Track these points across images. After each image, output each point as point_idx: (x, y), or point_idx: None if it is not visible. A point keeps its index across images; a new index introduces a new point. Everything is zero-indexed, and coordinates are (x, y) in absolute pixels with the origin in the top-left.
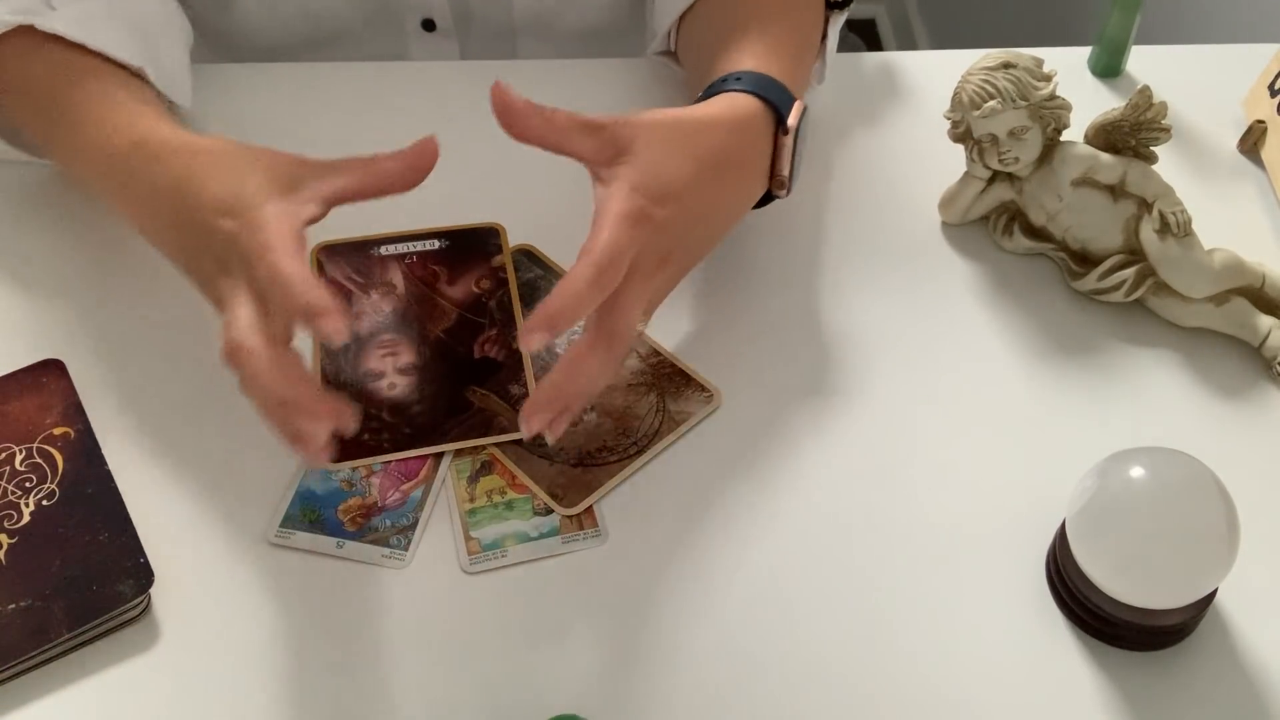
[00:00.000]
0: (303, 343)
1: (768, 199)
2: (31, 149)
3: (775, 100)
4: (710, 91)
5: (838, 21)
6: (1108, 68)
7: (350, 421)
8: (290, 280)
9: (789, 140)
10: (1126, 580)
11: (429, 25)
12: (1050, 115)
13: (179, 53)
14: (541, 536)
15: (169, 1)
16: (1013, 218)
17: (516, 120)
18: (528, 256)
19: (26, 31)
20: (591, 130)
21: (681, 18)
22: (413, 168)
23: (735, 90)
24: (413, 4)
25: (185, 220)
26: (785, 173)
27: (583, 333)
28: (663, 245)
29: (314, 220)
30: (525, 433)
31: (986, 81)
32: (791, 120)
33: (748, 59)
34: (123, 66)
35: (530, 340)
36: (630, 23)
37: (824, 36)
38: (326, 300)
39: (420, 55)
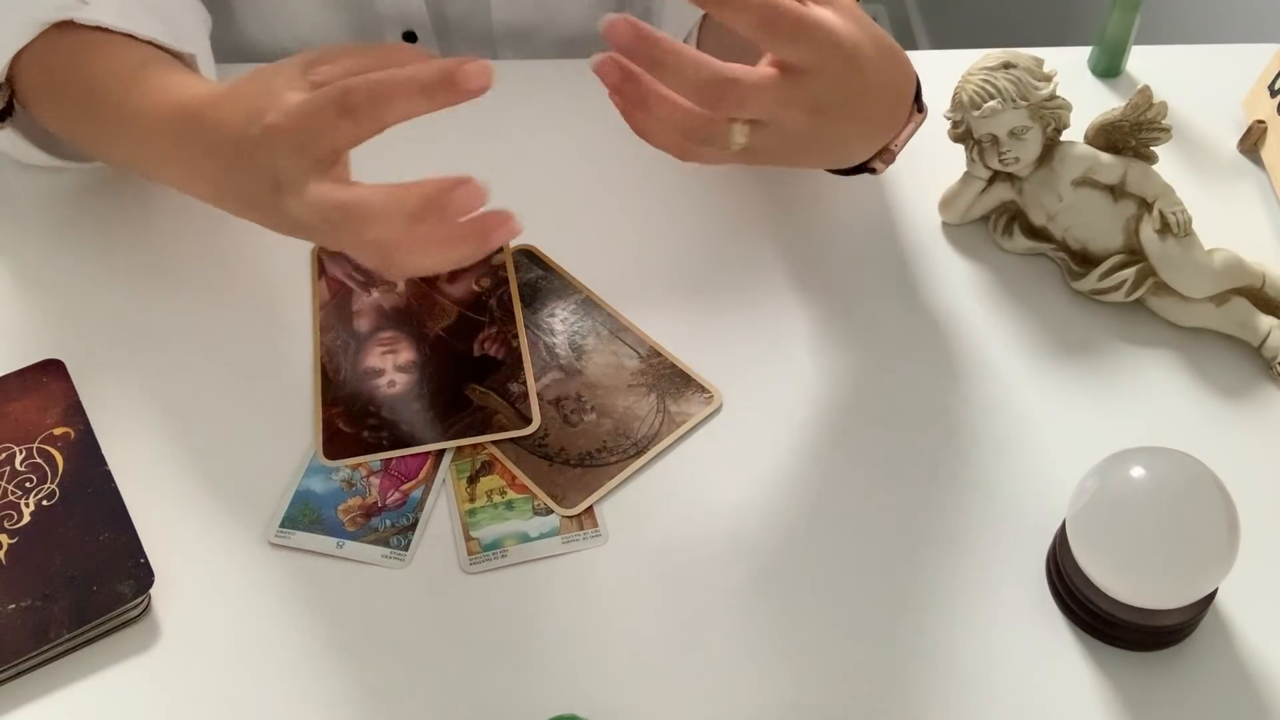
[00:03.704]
0: (302, 342)
1: (857, 170)
2: (63, 152)
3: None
4: None
5: None
6: (1108, 68)
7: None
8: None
9: (920, 119)
10: (1126, 580)
11: (410, 38)
12: (1050, 115)
13: (203, 41)
14: (541, 537)
15: None
16: (1013, 218)
17: (650, 51)
18: (528, 257)
19: (67, 28)
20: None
21: (705, 23)
22: (446, 84)
23: None
24: (393, 18)
25: (238, 151)
26: (897, 148)
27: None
28: (834, 92)
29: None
30: (605, 29)
31: (986, 81)
32: (924, 102)
33: None
34: (168, 52)
35: (614, 27)
36: None
37: None
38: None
39: None
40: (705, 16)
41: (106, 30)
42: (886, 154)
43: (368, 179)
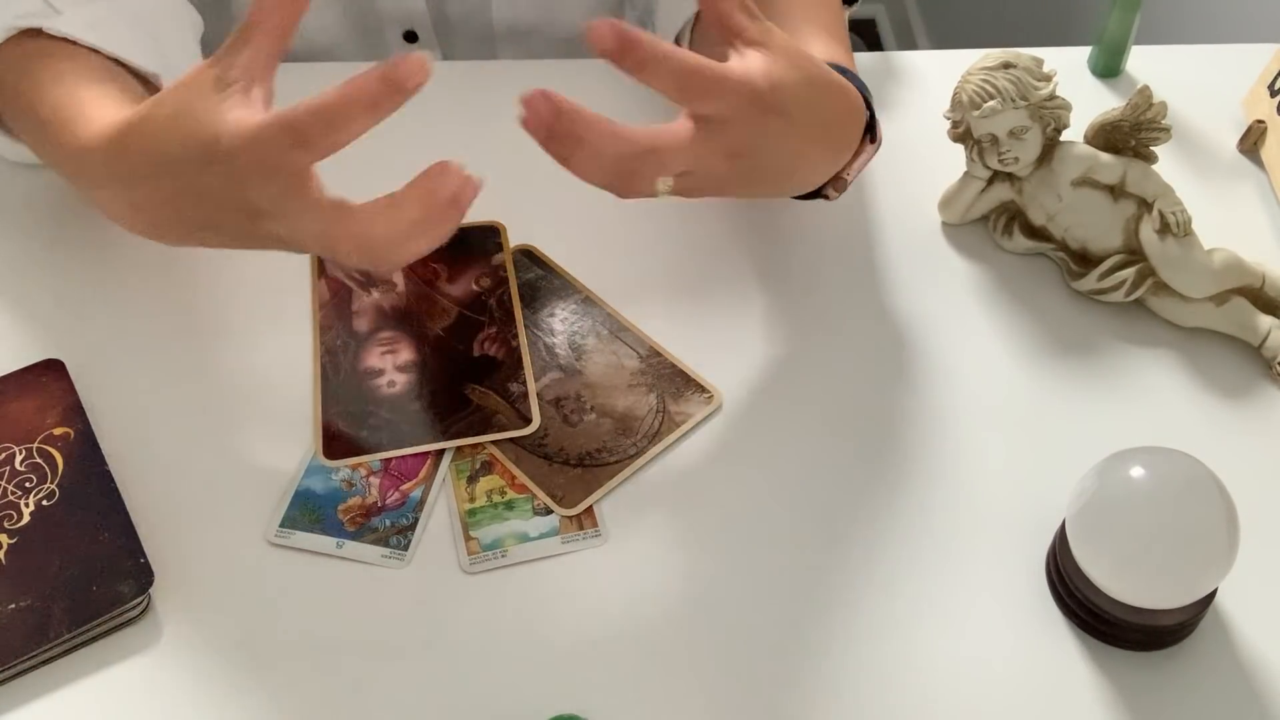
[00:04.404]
0: (302, 342)
1: (810, 196)
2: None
3: (871, 106)
4: None
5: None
6: (1108, 68)
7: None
8: (312, 107)
9: (874, 149)
10: (1126, 580)
11: (411, 37)
12: (1050, 115)
13: (191, 45)
14: (541, 536)
15: None
16: (1013, 218)
17: (635, 51)
18: (528, 257)
19: (33, 35)
20: (748, 11)
21: (696, 22)
22: (388, 83)
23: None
24: (394, 17)
25: (184, 181)
26: (850, 176)
27: (605, 131)
28: (749, 138)
29: (268, 100)
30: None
31: (986, 81)
32: (879, 133)
33: (817, 47)
34: (134, 72)
35: (600, 31)
36: None
37: None
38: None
39: None
40: (697, 16)
41: (74, 43)
42: (839, 182)
43: (366, 178)
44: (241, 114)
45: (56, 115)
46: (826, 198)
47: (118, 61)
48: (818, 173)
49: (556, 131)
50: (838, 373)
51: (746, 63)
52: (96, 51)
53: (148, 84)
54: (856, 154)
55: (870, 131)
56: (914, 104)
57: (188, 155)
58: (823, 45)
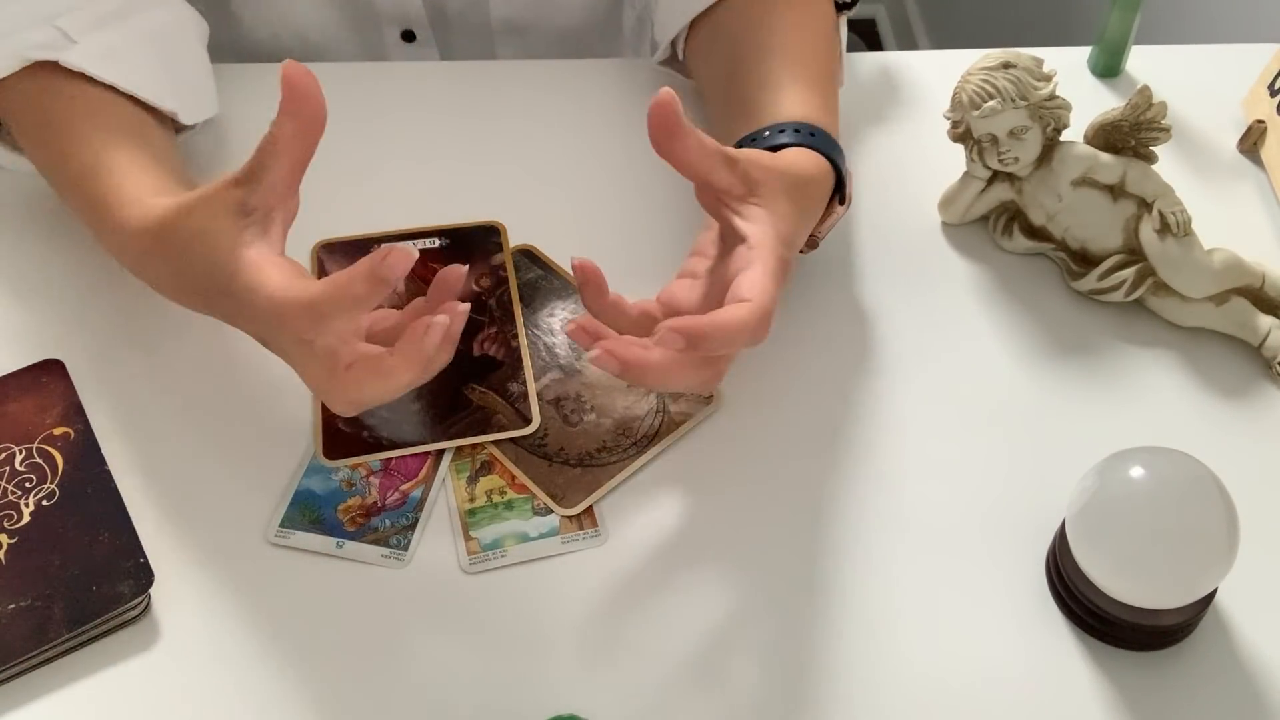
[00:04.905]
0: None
1: None
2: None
3: (840, 167)
4: (771, 132)
5: (843, 22)
6: (1108, 68)
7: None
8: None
9: (843, 211)
10: (1126, 580)
11: (408, 36)
12: (1050, 115)
13: (200, 54)
14: (541, 536)
15: (180, 4)
16: (1012, 218)
17: (676, 140)
18: (528, 257)
19: (48, 67)
20: (729, 163)
21: (692, 31)
22: (295, 103)
23: (808, 147)
24: (391, 16)
25: (209, 297)
26: (821, 236)
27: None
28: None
29: (287, 222)
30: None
31: (986, 81)
32: (849, 195)
33: (793, 99)
34: (146, 108)
35: (670, 337)
36: (607, 23)
37: None
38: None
39: None
40: (697, 19)
41: (89, 78)
42: (811, 241)
43: (370, 179)
44: (255, 254)
45: (83, 186)
46: (802, 252)
47: (134, 100)
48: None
49: (629, 365)
50: (837, 373)
51: (770, 246)
52: (111, 88)
53: (163, 117)
54: (826, 215)
55: (840, 192)
56: (914, 104)
57: (208, 277)
58: (799, 101)
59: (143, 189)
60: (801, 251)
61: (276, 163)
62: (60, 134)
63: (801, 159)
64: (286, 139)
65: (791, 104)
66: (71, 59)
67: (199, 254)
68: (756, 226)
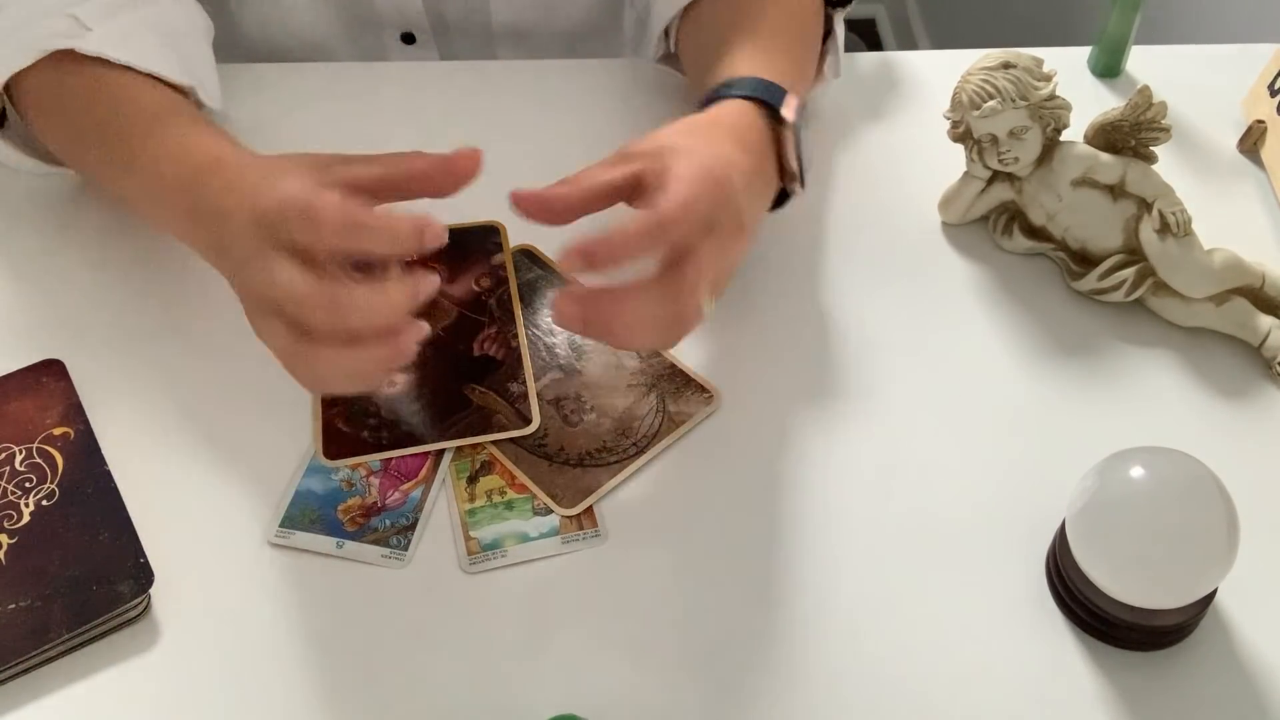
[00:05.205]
0: None
1: (784, 198)
2: (53, 160)
3: (768, 99)
4: (706, 102)
5: (840, 18)
6: (1108, 68)
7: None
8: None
9: (789, 133)
10: (1126, 580)
11: (408, 39)
12: (1050, 115)
13: (207, 51)
14: (541, 536)
15: (187, 1)
16: (1013, 218)
17: (553, 202)
18: (528, 257)
19: (68, 54)
20: (625, 159)
21: (682, 22)
22: (445, 171)
23: (728, 97)
24: (391, 19)
25: (248, 229)
26: (794, 165)
27: (647, 295)
28: (735, 207)
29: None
30: (566, 264)
31: (986, 81)
32: (787, 113)
33: (743, 64)
34: (168, 84)
35: (569, 259)
36: (608, 24)
37: (829, 33)
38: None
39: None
40: (686, 9)
41: (107, 61)
42: (788, 176)
43: None
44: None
45: (135, 132)
46: (794, 194)
47: (154, 78)
48: (762, 200)
49: (591, 320)
50: (837, 372)
51: (683, 163)
52: (129, 68)
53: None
54: (781, 146)
55: (776, 116)
56: (914, 104)
57: (253, 193)
58: (745, 62)
59: (214, 130)
60: (792, 191)
61: (378, 167)
62: (92, 104)
63: (709, 111)
64: (408, 168)
65: (740, 67)
66: (89, 45)
67: (262, 169)
68: (661, 176)
